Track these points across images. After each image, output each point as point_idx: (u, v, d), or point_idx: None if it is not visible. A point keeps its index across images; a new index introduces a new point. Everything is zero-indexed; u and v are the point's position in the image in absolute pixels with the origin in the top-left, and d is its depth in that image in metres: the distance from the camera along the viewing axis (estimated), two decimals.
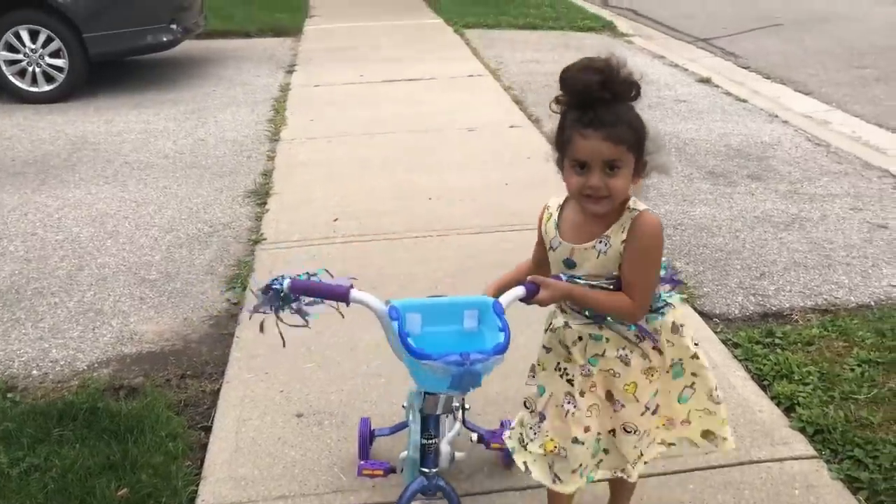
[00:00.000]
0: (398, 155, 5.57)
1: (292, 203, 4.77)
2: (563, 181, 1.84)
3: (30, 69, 7.09)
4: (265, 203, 4.80)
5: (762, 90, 7.61)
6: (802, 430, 2.71)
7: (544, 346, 2.03)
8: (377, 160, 5.48)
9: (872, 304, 3.56)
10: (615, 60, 1.73)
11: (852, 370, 3.01)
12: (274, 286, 1.88)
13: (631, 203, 1.85)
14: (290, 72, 8.31)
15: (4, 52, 7.03)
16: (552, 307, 1.99)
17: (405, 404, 2.53)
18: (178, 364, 3.23)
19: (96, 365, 3.23)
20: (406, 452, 2.31)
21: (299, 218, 4.54)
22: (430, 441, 2.00)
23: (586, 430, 1.93)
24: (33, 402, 2.93)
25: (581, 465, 1.95)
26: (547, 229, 1.96)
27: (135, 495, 2.44)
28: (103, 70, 7.81)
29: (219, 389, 3.02)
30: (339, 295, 1.83)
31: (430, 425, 1.99)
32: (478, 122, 6.22)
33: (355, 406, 2.88)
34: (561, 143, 1.81)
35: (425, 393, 1.90)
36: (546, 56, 8.75)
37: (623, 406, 1.96)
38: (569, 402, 1.94)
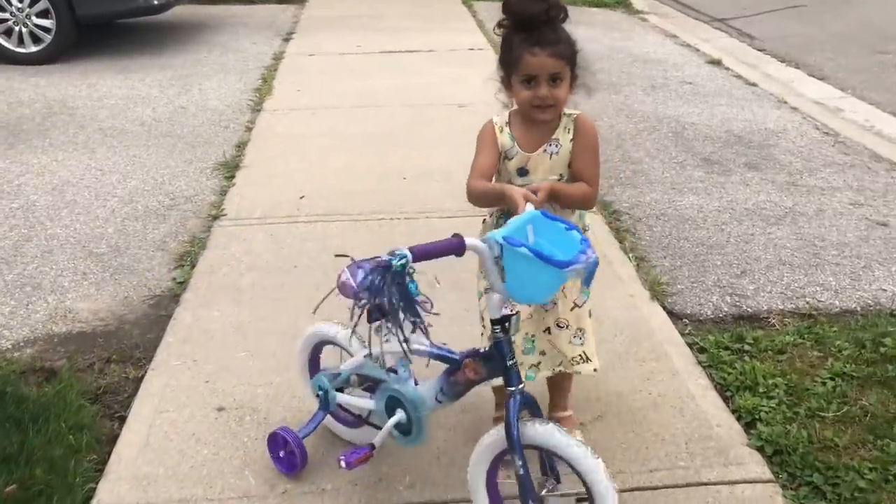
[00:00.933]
0: (382, 130, 5.33)
1: (260, 178, 4.56)
2: (512, 96, 2.11)
3: (16, 29, 6.92)
4: (233, 177, 4.59)
5: (774, 74, 7.26)
6: (761, 450, 2.47)
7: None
8: (358, 135, 5.25)
9: (858, 309, 3.30)
10: None
11: (823, 384, 2.76)
12: (392, 262, 1.69)
13: (566, 109, 2.13)
14: (287, 40, 8.08)
15: None
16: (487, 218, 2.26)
17: (320, 390, 2.34)
18: (105, 346, 3.05)
19: (21, 344, 3.06)
20: (386, 428, 2.15)
21: (265, 194, 4.33)
22: (512, 360, 1.94)
23: (530, 315, 2.21)
24: None
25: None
26: (503, 141, 2.15)
27: (24, 492, 2.26)
28: (94, 32, 7.63)
29: (143, 376, 2.83)
30: (456, 247, 1.80)
31: (507, 350, 1.93)
32: (470, 99, 5.95)
33: (282, 402, 2.69)
34: (508, 62, 2.08)
35: (503, 319, 1.90)
36: None
37: (554, 303, 2.23)
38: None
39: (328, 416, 2.43)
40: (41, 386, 2.79)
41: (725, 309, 3.30)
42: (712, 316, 3.26)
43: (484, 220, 2.32)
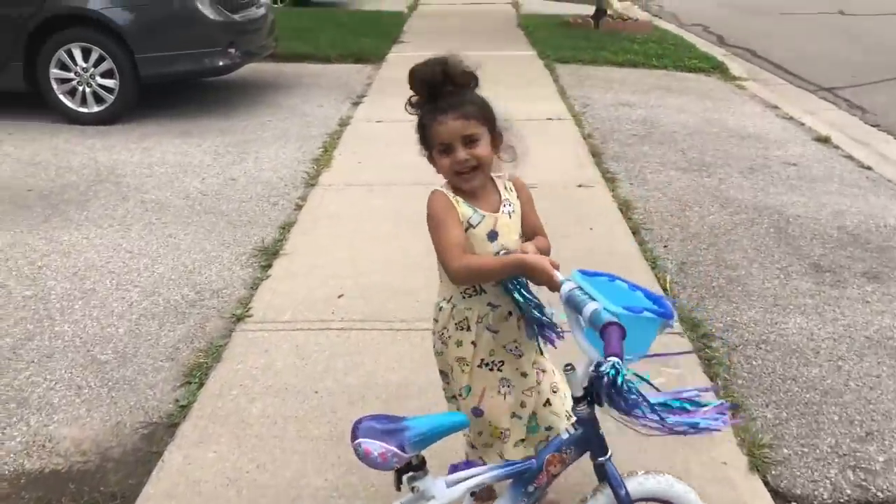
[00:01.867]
0: None
1: (300, 269, 4.07)
2: (437, 171, 2.05)
3: (80, 89, 6.75)
4: (270, 266, 4.12)
5: (891, 154, 6.44)
6: None
7: (472, 343, 2.04)
8: (414, 218, 4.69)
9: None
10: (453, 57, 1.97)
11: None
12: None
13: (494, 175, 2.08)
14: (356, 103, 7.71)
15: (56, 70, 6.70)
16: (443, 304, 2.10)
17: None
18: (76, 496, 2.55)
19: None
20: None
21: (300, 290, 3.83)
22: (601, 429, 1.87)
23: (522, 405, 2.11)
24: None
25: (521, 439, 2.11)
26: (463, 211, 1.99)
27: None
28: (163, 91, 7.44)
29: None
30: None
31: (596, 420, 1.84)
32: (542, 178, 5.34)
33: None
34: (425, 137, 2.04)
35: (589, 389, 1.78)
36: (640, 99, 7.82)
37: (544, 371, 2.16)
38: (504, 387, 2.07)
39: None
40: None
41: (848, 491, 2.57)
42: (830, 500, 2.53)
43: (440, 306, 2.10)
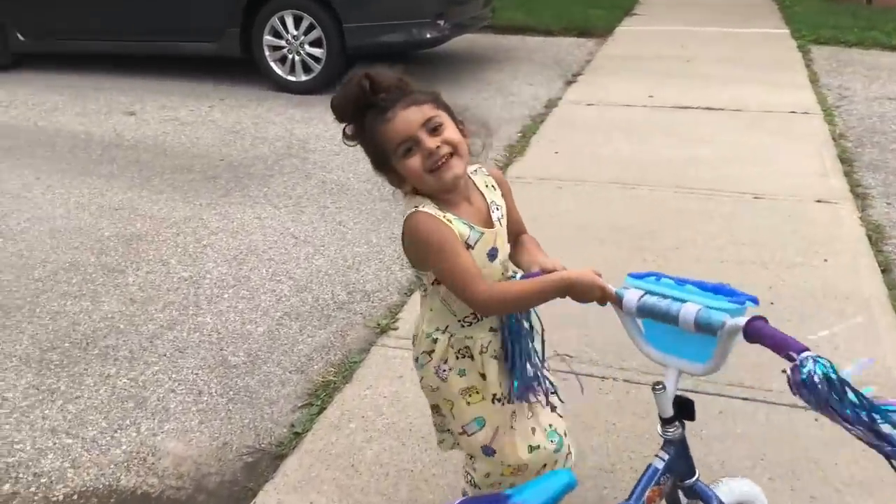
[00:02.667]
0: (634, 223, 4.11)
1: None
2: (408, 180, 1.60)
3: (290, 57, 6.73)
4: None
5: None
6: None
7: (480, 374, 1.73)
8: (601, 226, 4.09)
9: None
10: (375, 69, 1.60)
11: None
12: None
13: (470, 171, 1.69)
14: (570, 82, 7.09)
15: (269, 37, 6.72)
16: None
17: None
18: None
19: (74, 497, 2.40)
20: None
21: None
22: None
23: (533, 431, 1.81)
24: None
25: (545, 465, 1.82)
26: (460, 230, 1.60)
27: None
28: (371, 62, 7.25)
29: None
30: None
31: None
32: (772, 188, 4.49)
33: None
34: (378, 156, 1.62)
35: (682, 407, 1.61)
36: None
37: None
38: (514, 420, 1.79)
39: None
40: None
41: None
42: None
43: (433, 338, 1.72)
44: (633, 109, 6.21)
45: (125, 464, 2.54)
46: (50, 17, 7.22)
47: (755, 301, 1.51)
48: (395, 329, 3.22)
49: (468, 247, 1.62)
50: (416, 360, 1.78)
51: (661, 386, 1.58)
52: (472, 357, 1.73)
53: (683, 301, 1.51)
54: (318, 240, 4.08)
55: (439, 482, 2.38)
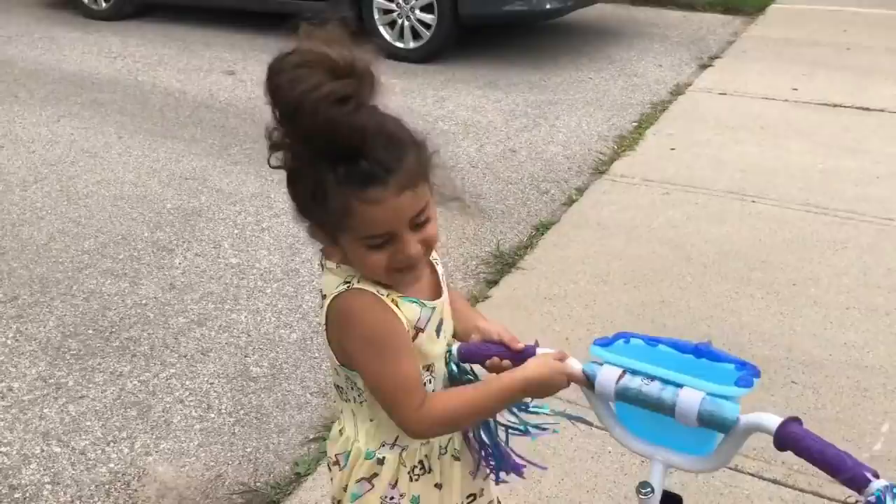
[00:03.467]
0: (745, 250, 3.49)
1: (524, 307, 3.13)
2: (352, 261, 1.17)
3: (399, 21, 6.34)
4: (496, 283, 3.26)
5: None
6: None
7: (436, 486, 1.32)
8: (708, 249, 3.49)
9: None
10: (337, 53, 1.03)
11: None
12: None
13: None
14: (705, 66, 6.33)
15: (380, 0, 6.35)
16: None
17: None
18: None
19: None
20: None
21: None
22: None
23: None
24: None
25: None
26: (408, 314, 1.20)
27: None
28: (488, 33, 6.77)
29: None
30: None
31: None
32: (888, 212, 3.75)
33: None
34: (324, 214, 1.12)
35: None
36: None
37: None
38: None
39: None
40: None
41: None
42: None
43: (378, 458, 1.28)
44: (772, 104, 5.43)
45: (106, 486, 2.29)
46: None
47: (758, 374, 1.16)
48: None
49: (418, 331, 1.21)
50: (345, 488, 1.34)
51: (648, 488, 1.21)
52: (429, 470, 1.31)
53: (677, 384, 1.15)
54: None
55: None
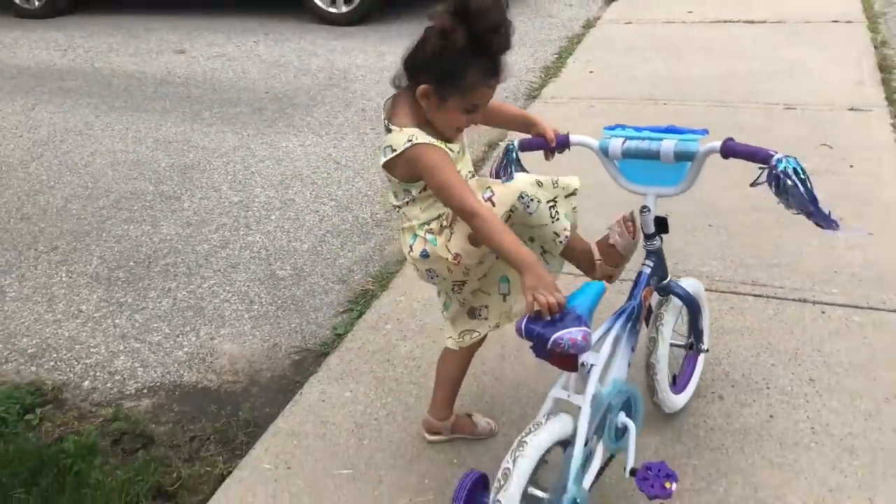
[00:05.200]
0: None
1: None
2: (439, 116, 1.80)
3: None
4: None
5: None
6: None
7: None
8: None
9: None
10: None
11: None
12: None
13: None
14: (610, 1, 7.05)
15: None
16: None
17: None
18: (216, 417, 2.58)
19: (144, 391, 2.72)
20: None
21: None
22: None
23: None
24: (35, 437, 2.50)
25: None
26: (451, 155, 1.82)
27: None
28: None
29: (228, 475, 2.31)
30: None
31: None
32: (805, 98, 4.52)
33: None
34: (454, 85, 1.74)
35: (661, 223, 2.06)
36: None
37: None
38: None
39: None
40: (126, 458, 2.41)
41: None
42: None
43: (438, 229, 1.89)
44: (672, 26, 6.20)
45: (187, 363, 2.85)
46: None
47: (706, 133, 1.94)
48: None
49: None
50: (423, 254, 1.91)
51: (647, 209, 2.01)
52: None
53: (660, 139, 1.91)
54: (358, 164, 4.30)
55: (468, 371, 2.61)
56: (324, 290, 3.21)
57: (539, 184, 1.89)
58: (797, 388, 2.43)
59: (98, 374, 2.82)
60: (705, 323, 2.37)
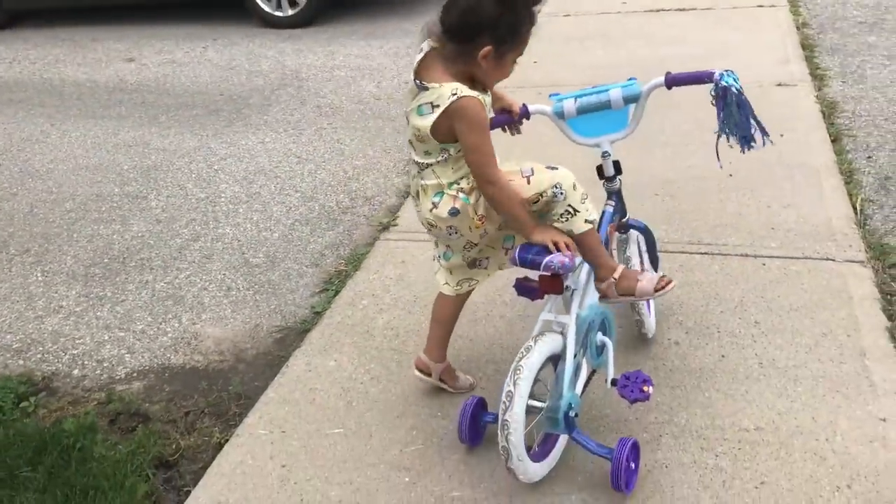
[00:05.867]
0: None
1: None
2: (486, 64, 1.97)
3: None
4: None
5: None
6: None
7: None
8: None
9: None
10: None
11: None
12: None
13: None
14: None
15: None
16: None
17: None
18: (208, 392, 2.72)
19: (135, 375, 2.84)
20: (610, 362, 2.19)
21: None
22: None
23: None
24: (33, 422, 2.60)
25: None
26: (483, 100, 2.00)
27: None
28: None
29: (225, 443, 2.45)
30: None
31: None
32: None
33: None
34: (515, 37, 1.97)
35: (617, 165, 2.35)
36: None
37: None
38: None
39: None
40: (125, 435, 2.53)
41: None
42: None
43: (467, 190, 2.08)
44: (608, 17, 6.48)
45: (173, 347, 2.97)
46: None
47: (635, 79, 2.24)
48: (396, 225, 3.61)
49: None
50: (452, 211, 2.05)
51: (607, 153, 2.29)
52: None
53: (606, 90, 2.20)
54: (319, 157, 4.44)
55: None
56: (298, 274, 3.36)
57: (575, 187, 2.10)
58: (745, 330, 2.68)
59: (86, 362, 2.92)
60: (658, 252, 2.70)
